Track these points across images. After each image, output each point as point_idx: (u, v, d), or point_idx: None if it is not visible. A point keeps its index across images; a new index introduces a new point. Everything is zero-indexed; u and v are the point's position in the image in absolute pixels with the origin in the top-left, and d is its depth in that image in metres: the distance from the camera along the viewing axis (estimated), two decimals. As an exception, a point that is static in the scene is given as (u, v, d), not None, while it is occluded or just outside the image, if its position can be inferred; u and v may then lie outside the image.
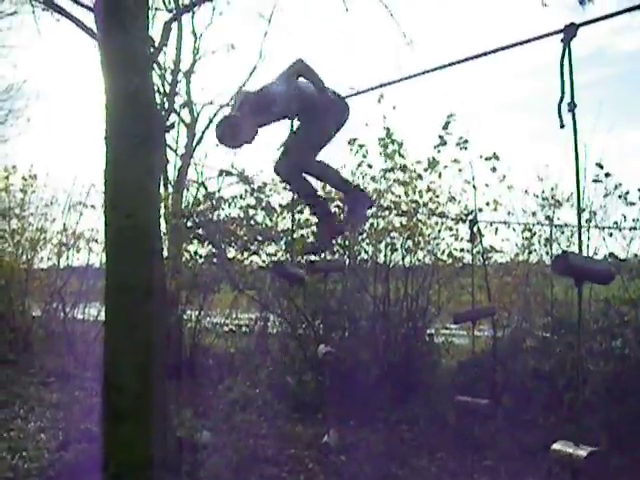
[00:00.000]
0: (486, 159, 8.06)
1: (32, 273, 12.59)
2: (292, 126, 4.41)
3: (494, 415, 6.87)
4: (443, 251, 8.77)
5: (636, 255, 7.84)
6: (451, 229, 8.60)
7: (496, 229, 8.40)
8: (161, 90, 8.96)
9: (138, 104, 4.09)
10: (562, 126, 3.08)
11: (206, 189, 10.29)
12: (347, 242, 8.90)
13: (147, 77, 4.29)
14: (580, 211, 3.30)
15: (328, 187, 6.31)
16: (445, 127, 8.10)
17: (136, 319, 3.86)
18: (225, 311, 11.22)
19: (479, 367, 7.92)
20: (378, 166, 8.53)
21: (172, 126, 7.21)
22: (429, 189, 8.45)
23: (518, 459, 6.57)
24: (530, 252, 8.62)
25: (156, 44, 6.52)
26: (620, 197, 7.69)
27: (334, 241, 4.60)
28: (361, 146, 8.43)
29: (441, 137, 8.14)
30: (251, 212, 9.44)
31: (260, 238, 9.39)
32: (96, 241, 12.14)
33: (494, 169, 8.08)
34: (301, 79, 4.18)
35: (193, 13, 10.53)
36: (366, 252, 9.10)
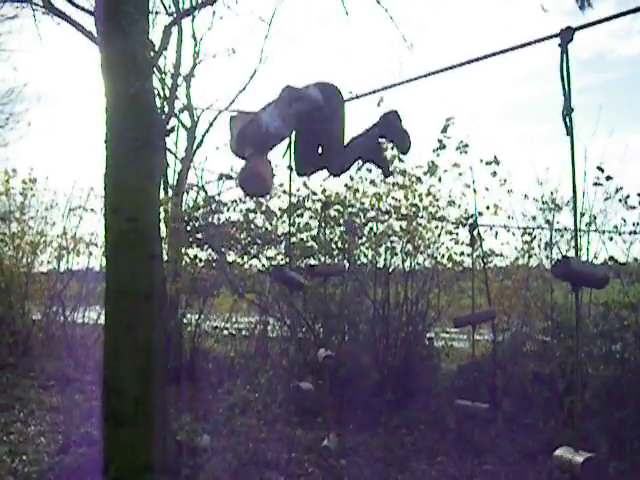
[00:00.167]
0: (486, 163, 8.06)
1: (32, 277, 12.60)
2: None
3: (494, 419, 6.87)
4: (443, 255, 8.78)
5: (636, 259, 7.83)
6: (451, 233, 8.60)
7: (496, 233, 8.39)
8: (161, 94, 8.95)
9: (138, 108, 4.10)
10: (568, 133, 3.09)
11: (206, 193, 10.30)
12: (347, 246, 8.91)
13: (147, 81, 4.30)
14: (577, 214, 3.31)
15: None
16: (444, 130, 8.11)
17: (136, 323, 3.87)
18: (225, 315, 11.23)
19: (479, 371, 7.91)
20: (377, 170, 8.52)
21: (172, 130, 7.20)
22: (429, 193, 8.45)
23: (518, 463, 6.57)
24: (530, 256, 8.61)
25: (156, 48, 6.51)
26: (620, 201, 7.68)
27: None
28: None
29: (440, 141, 8.15)
30: (251, 216, 9.44)
31: (260, 242, 9.39)
32: (96, 245, 12.16)
33: (494, 173, 8.08)
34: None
35: (193, 17, 10.54)
36: (366, 256, 9.12)
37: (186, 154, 10.90)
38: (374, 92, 4.60)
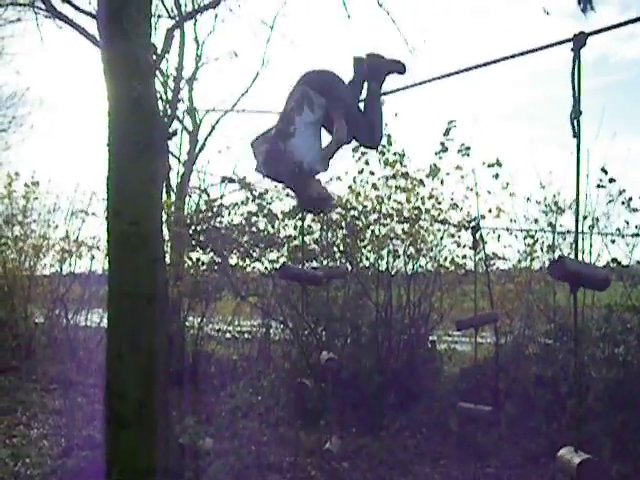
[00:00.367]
0: (489, 166, 8.06)
1: (35, 280, 12.62)
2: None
3: (497, 422, 6.87)
4: (445, 258, 8.78)
5: (639, 262, 7.82)
6: (453, 236, 8.60)
7: (498, 236, 8.39)
8: (163, 97, 8.97)
9: (141, 111, 4.10)
10: (574, 135, 3.11)
11: (208, 196, 10.31)
12: (349, 249, 8.91)
13: (150, 84, 4.30)
14: (578, 216, 3.32)
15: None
16: (446, 133, 8.11)
17: (139, 326, 3.87)
18: (227, 318, 11.23)
19: (482, 374, 7.91)
20: (380, 173, 8.54)
21: (174, 133, 7.20)
22: (431, 196, 8.45)
23: (521, 466, 6.57)
24: (532, 259, 8.61)
25: (159, 51, 6.53)
26: (623, 203, 7.68)
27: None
28: (363, 153, 8.42)
29: (442, 144, 8.14)
30: (253, 219, 9.44)
31: (262, 245, 9.39)
32: (98, 248, 12.17)
33: (497, 176, 8.08)
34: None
35: (196, 20, 10.55)
36: (368, 259, 9.11)
37: (188, 157, 10.92)
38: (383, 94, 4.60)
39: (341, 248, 8.98)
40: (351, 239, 8.81)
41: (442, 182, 8.33)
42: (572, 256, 3.91)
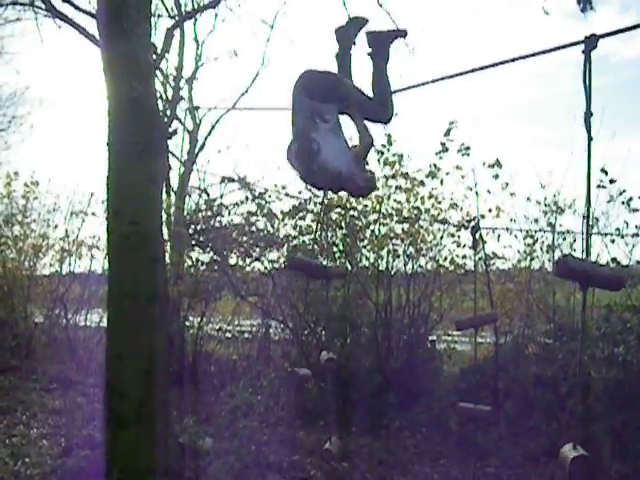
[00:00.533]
0: (489, 166, 8.06)
1: (34, 279, 12.61)
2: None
3: (497, 422, 6.87)
4: (445, 258, 8.77)
5: (639, 262, 7.82)
6: (453, 236, 8.60)
7: (498, 236, 8.39)
8: (163, 97, 8.96)
9: (140, 111, 4.10)
10: (591, 138, 3.14)
11: (208, 196, 10.30)
12: (349, 248, 8.91)
13: (149, 84, 4.31)
14: (589, 217, 3.36)
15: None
16: (447, 134, 8.11)
17: (139, 325, 3.87)
18: (227, 318, 11.23)
19: (481, 374, 7.91)
20: (380, 173, 8.53)
21: (175, 132, 7.20)
22: (431, 196, 8.45)
23: (521, 466, 6.57)
24: (532, 259, 8.61)
25: (158, 51, 6.52)
26: (623, 203, 7.68)
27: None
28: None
29: (443, 144, 8.14)
30: (253, 219, 9.44)
31: (262, 244, 9.39)
32: (98, 248, 12.16)
33: (496, 176, 8.08)
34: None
35: (195, 20, 10.54)
36: (368, 259, 9.11)
37: (188, 157, 10.91)
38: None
39: (341, 248, 8.98)
40: (351, 239, 8.81)
41: (442, 182, 8.33)
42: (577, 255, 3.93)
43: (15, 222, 12.51)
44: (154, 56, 5.67)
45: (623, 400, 6.69)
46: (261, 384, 8.90)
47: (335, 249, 9.00)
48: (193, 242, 9.66)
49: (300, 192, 9.06)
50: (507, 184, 8.17)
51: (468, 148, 8.04)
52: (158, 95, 6.32)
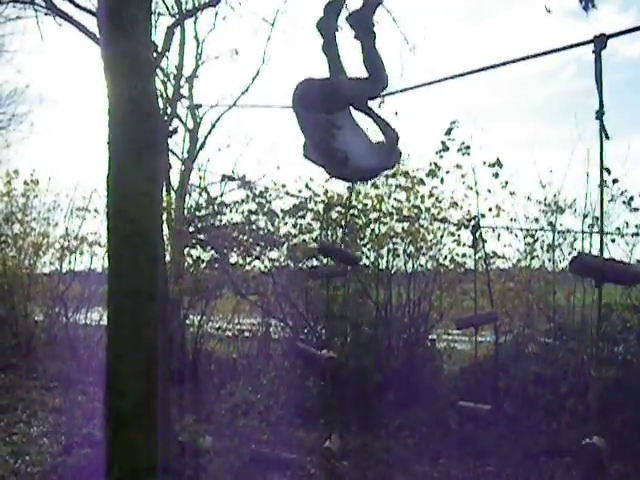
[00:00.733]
0: (489, 165, 8.06)
1: (34, 278, 12.61)
2: None
3: (496, 421, 6.87)
4: (445, 257, 8.78)
5: (639, 261, 7.83)
6: (453, 235, 8.60)
7: (498, 235, 8.39)
8: (164, 95, 8.95)
9: (141, 109, 4.09)
10: (607, 137, 3.16)
11: (208, 194, 10.30)
12: (349, 247, 8.91)
13: (150, 82, 4.29)
14: (602, 215, 3.41)
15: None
16: (448, 133, 8.10)
17: (139, 324, 3.86)
18: (227, 316, 11.23)
19: (481, 373, 7.91)
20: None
21: (175, 131, 7.20)
22: (431, 194, 8.45)
23: (521, 465, 6.57)
24: (532, 258, 8.61)
25: (159, 49, 6.52)
26: (624, 203, 7.68)
27: None
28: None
29: (443, 143, 8.14)
30: (253, 217, 9.44)
31: (262, 243, 9.39)
32: (99, 244, 12.16)
33: (496, 175, 8.08)
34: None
35: (196, 18, 10.53)
36: (368, 258, 9.11)
37: (189, 155, 10.90)
38: (386, 95, 4.59)
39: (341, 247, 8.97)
40: (351, 237, 8.82)
41: (442, 181, 8.33)
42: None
43: (15, 220, 12.51)
44: (155, 54, 5.67)
45: (623, 399, 6.69)
46: (261, 383, 8.90)
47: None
48: (193, 240, 9.66)
49: (300, 191, 9.07)
50: (507, 183, 8.17)
51: (468, 147, 8.04)
52: (158, 93, 6.33)
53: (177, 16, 8.32)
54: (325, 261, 8.43)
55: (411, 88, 4.36)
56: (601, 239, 3.50)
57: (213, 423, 7.71)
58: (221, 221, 9.66)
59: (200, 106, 10.87)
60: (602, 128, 3.17)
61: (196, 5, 8.89)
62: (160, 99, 7.67)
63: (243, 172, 9.92)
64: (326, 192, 9.03)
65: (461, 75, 3.97)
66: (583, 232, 8.02)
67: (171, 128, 7.10)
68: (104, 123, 4.13)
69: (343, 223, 8.78)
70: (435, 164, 8.27)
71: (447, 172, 8.28)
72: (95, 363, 10.03)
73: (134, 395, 3.78)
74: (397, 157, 4.23)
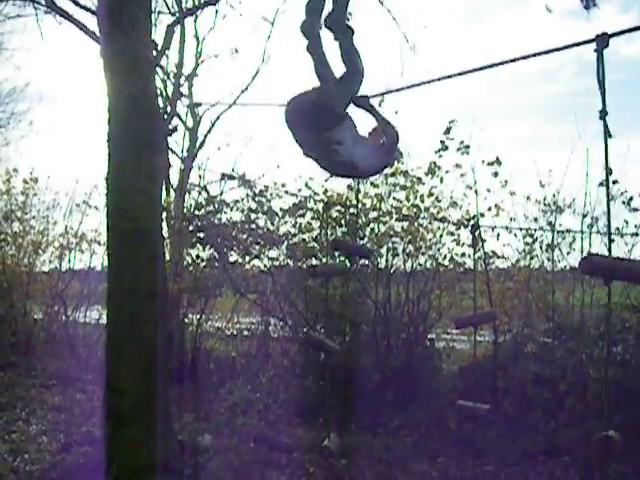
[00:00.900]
0: (488, 164, 8.07)
1: (34, 276, 12.60)
2: None
3: (495, 420, 6.88)
4: (444, 256, 8.78)
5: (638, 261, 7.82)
6: (452, 234, 8.60)
7: (498, 234, 8.40)
8: (163, 94, 8.95)
9: (140, 108, 4.09)
10: (610, 136, 3.17)
11: (208, 193, 10.30)
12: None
13: (150, 80, 4.29)
14: (609, 214, 3.44)
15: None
16: (447, 132, 8.10)
17: (138, 322, 3.86)
18: (227, 315, 11.23)
19: (480, 372, 7.92)
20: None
21: (175, 129, 7.20)
22: (430, 194, 8.45)
23: (519, 464, 6.57)
24: (532, 257, 8.61)
25: (159, 48, 6.52)
26: (624, 203, 7.69)
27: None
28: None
29: (442, 142, 8.14)
30: (253, 216, 9.44)
31: (262, 242, 9.39)
32: (98, 242, 12.15)
33: (496, 174, 8.09)
34: None
35: (196, 16, 10.52)
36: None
37: (188, 154, 10.90)
38: (385, 93, 4.60)
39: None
40: (350, 237, 8.81)
41: (442, 180, 8.34)
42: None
43: (14, 218, 12.49)
44: (154, 53, 5.67)
45: (621, 399, 6.69)
46: (260, 382, 8.91)
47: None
48: (193, 239, 9.66)
49: (300, 190, 9.07)
50: (506, 182, 8.18)
51: (468, 146, 8.05)
52: (158, 92, 6.33)
53: (177, 14, 8.32)
54: (325, 259, 8.45)
55: (411, 86, 4.36)
56: (609, 238, 3.53)
57: (212, 422, 7.72)
58: (220, 220, 9.65)
59: (200, 105, 10.87)
60: (606, 128, 3.17)
61: (196, 4, 8.89)
62: (160, 97, 7.68)
63: (243, 171, 9.92)
64: (326, 191, 9.04)
65: (460, 74, 3.97)
66: (582, 232, 8.03)
67: (171, 126, 7.10)
68: (104, 121, 4.13)
69: (343, 222, 8.79)
70: (434, 163, 8.28)
71: (447, 171, 8.29)
72: (94, 361, 10.04)
73: (133, 393, 3.79)
74: (397, 156, 4.29)
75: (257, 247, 9.44)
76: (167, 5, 9.53)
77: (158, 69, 8.10)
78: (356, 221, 8.60)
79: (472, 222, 7.35)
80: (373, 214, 8.78)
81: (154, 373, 3.91)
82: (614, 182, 7.58)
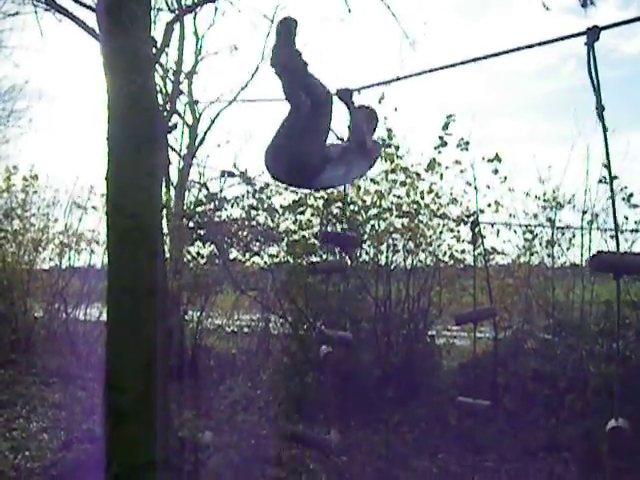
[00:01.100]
0: (488, 161, 8.06)
1: (34, 274, 12.60)
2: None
3: (495, 416, 6.88)
4: (444, 252, 8.78)
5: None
6: (452, 230, 8.60)
7: (497, 231, 8.40)
8: (163, 91, 8.94)
9: (140, 105, 4.08)
10: (606, 129, 3.16)
11: (208, 190, 10.29)
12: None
13: (149, 78, 4.28)
14: (615, 211, 3.47)
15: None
16: (445, 127, 8.10)
17: (138, 320, 3.86)
18: (227, 312, 11.23)
19: (480, 368, 7.92)
20: (379, 167, 8.52)
21: (175, 126, 7.20)
22: (430, 190, 8.44)
23: (519, 460, 6.58)
24: (531, 254, 8.62)
25: (158, 45, 6.51)
26: (624, 199, 7.69)
27: None
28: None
29: (441, 138, 8.13)
30: (253, 213, 9.44)
31: (262, 239, 9.39)
32: (97, 242, 12.17)
33: (496, 171, 8.08)
34: None
35: (195, 13, 10.51)
36: (367, 253, 9.11)
37: (188, 151, 10.90)
38: (380, 84, 4.60)
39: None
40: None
41: (441, 176, 8.33)
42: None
43: (14, 216, 12.50)
44: (154, 50, 5.66)
45: (622, 395, 6.69)
46: (260, 378, 8.91)
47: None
48: (193, 236, 9.65)
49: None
50: (506, 178, 8.17)
51: (467, 143, 8.05)
52: (158, 89, 6.33)
53: (176, 12, 8.30)
54: (325, 256, 8.45)
55: (404, 77, 4.35)
56: (616, 235, 3.55)
57: (212, 419, 7.72)
58: (220, 217, 9.65)
59: (198, 102, 10.87)
60: (602, 120, 3.16)
61: (195, 1, 8.88)
62: (159, 95, 7.67)
63: (243, 168, 9.91)
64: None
65: (453, 65, 3.97)
66: (582, 228, 8.03)
67: (170, 124, 7.09)
68: (103, 118, 4.12)
69: (343, 219, 8.79)
70: (434, 159, 8.27)
71: (446, 168, 8.28)
72: (94, 359, 10.04)
73: (133, 391, 3.79)
74: (375, 154, 4.29)
75: (257, 244, 9.43)
76: (166, 2, 9.52)
77: (158, 66, 8.09)
78: (356, 218, 8.61)
79: (472, 218, 7.33)
80: (373, 211, 8.77)
81: (154, 370, 3.91)
82: (614, 178, 7.57)
